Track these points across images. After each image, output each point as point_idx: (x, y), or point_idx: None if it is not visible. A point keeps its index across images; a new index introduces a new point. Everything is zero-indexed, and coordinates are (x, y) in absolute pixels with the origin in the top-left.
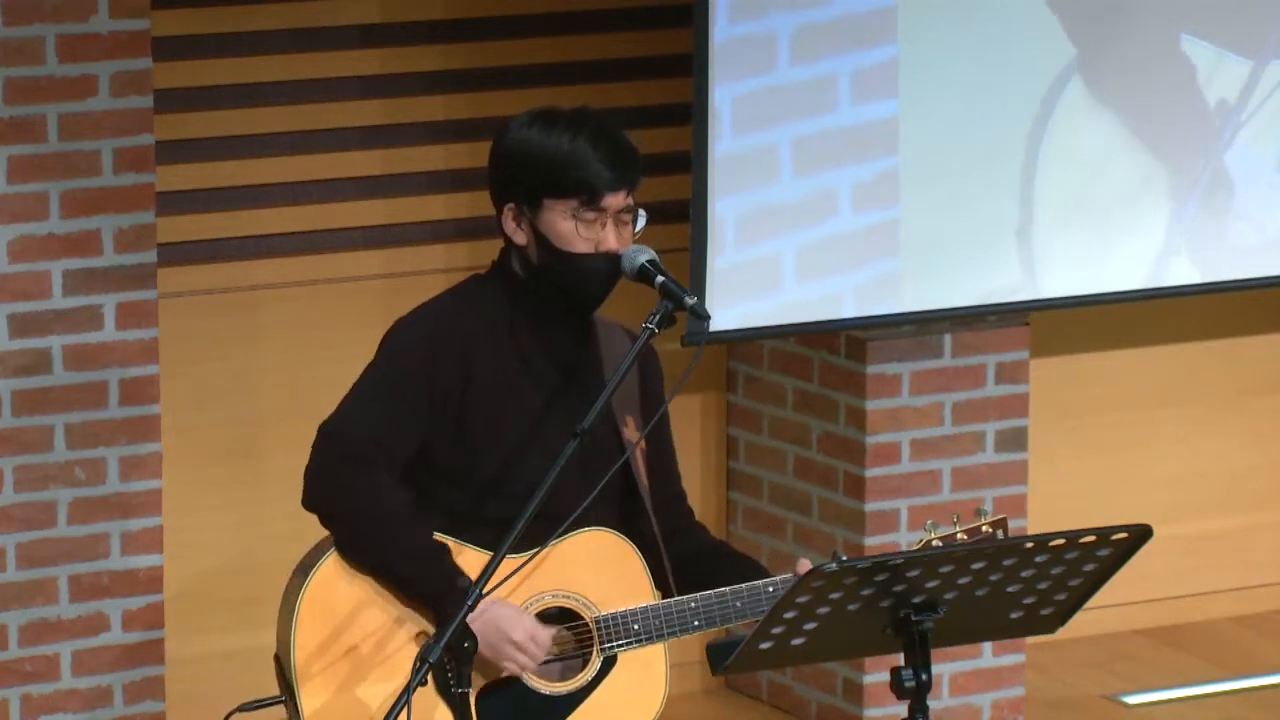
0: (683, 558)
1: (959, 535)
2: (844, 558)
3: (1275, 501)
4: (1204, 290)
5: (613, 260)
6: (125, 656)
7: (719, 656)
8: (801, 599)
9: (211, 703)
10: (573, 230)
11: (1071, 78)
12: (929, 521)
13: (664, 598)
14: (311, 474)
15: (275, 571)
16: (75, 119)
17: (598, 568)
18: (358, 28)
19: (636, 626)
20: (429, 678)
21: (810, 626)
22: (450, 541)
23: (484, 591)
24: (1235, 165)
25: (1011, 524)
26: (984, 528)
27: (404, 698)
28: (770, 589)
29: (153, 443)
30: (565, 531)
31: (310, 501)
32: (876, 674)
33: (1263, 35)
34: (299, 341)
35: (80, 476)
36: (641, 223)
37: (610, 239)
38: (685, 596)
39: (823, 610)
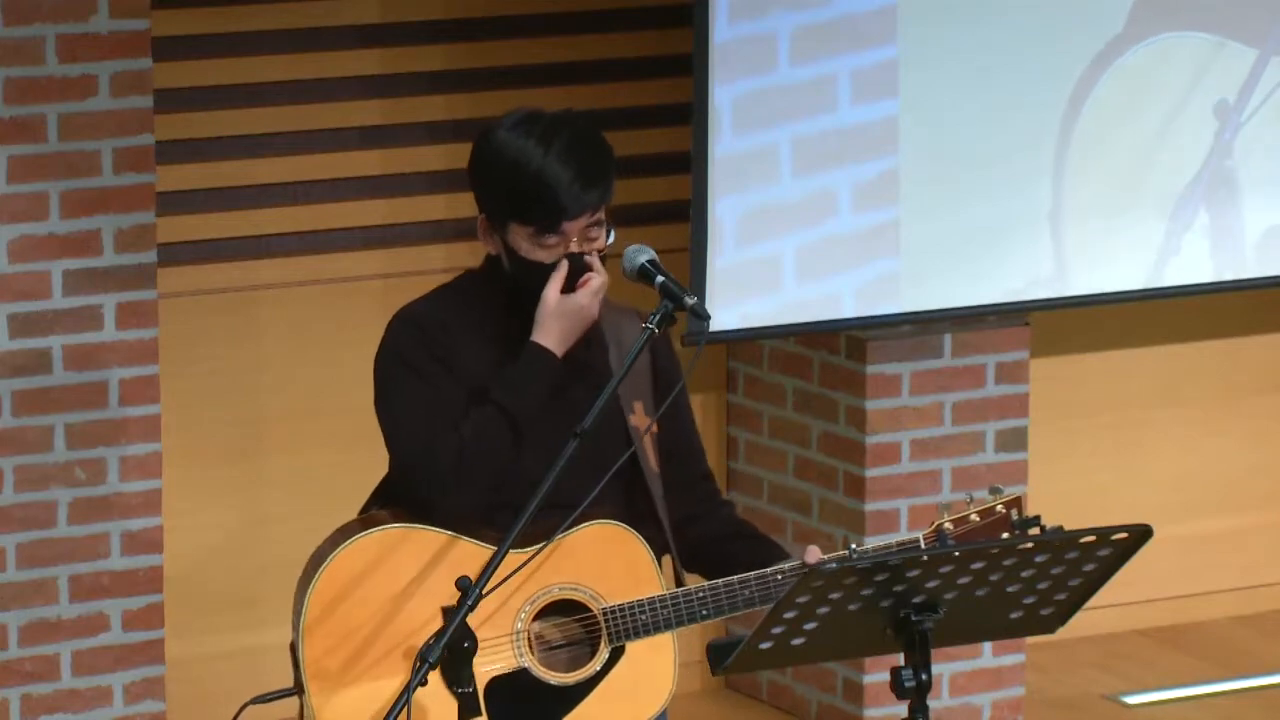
0: (702, 540)
1: (972, 516)
2: (856, 549)
3: (1275, 501)
4: (1204, 290)
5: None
6: (125, 656)
7: (719, 656)
8: (801, 599)
9: (211, 703)
10: (535, 250)
11: (1073, 78)
12: (940, 504)
13: (676, 583)
14: (422, 508)
15: (275, 571)
16: (75, 119)
17: (604, 560)
18: (358, 28)
19: (644, 617)
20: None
21: (810, 626)
22: (448, 535)
23: (484, 592)
24: (1236, 164)
25: None
26: (998, 507)
27: (404, 697)
28: (779, 577)
29: (153, 443)
30: (571, 523)
31: (447, 520)
32: (876, 674)
33: (1264, 30)
34: (299, 341)
35: (80, 476)
36: (610, 239)
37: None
38: (693, 586)
39: (823, 610)
